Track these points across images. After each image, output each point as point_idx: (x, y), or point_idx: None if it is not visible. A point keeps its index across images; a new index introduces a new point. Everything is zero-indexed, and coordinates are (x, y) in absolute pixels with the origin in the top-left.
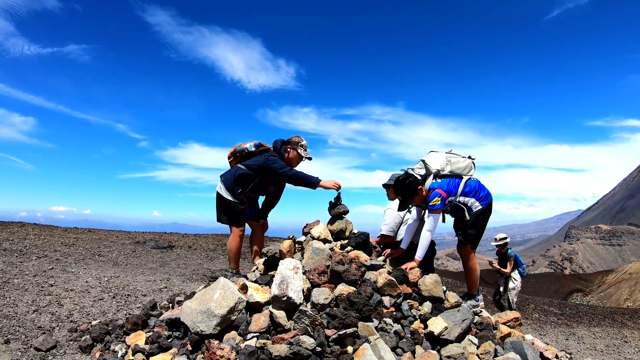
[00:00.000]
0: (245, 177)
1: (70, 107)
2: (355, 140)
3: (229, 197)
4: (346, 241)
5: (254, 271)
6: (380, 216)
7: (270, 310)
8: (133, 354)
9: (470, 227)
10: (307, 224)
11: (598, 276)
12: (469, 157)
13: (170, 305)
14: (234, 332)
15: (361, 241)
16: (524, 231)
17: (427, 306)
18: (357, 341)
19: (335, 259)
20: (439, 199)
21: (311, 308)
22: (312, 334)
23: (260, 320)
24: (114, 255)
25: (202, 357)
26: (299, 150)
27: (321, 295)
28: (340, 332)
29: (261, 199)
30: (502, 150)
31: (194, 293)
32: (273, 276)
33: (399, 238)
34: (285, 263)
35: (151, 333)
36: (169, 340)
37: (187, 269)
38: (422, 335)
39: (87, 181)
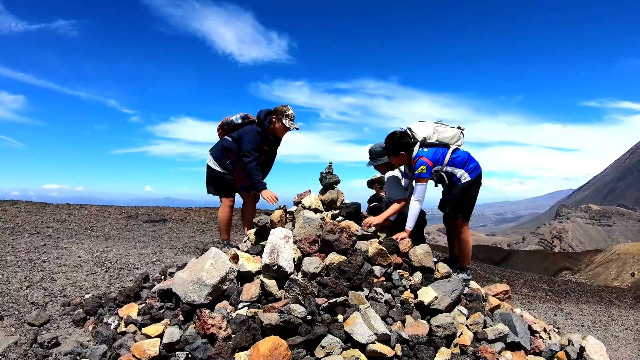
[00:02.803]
0: (231, 149)
1: (60, 84)
2: (348, 114)
3: (218, 168)
4: (337, 211)
5: (245, 242)
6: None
7: (261, 280)
8: (125, 326)
9: (460, 200)
10: (298, 194)
11: (587, 255)
12: (458, 127)
13: (162, 277)
14: (225, 302)
15: (352, 211)
16: (515, 208)
17: (417, 276)
18: (348, 310)
19: (326, 228)
20: (425, 167)
21: (302, 277)
22: (302, 302)
23: (251, 290)
24: (106, 229)
25: (194, 327)
26: (284, 121)
27: (312, 264)
28: (331, 301)
29: None
30: (495, 127)
31: (185, 264)
32: (264, 246)
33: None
34: (276, 232)
35: (143, 305)
36: (161, 311)
37: (179, 242)
38: (412, 305)
39: (79, 158)
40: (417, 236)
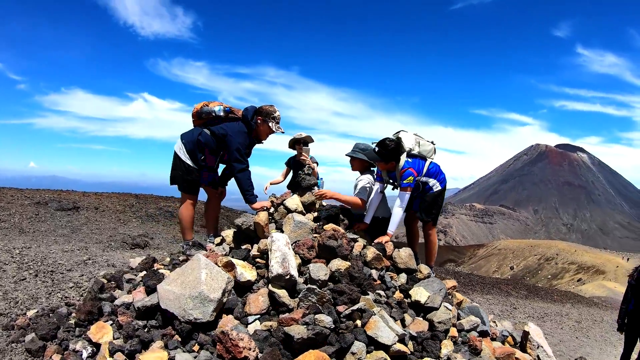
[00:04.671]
0: (207, 144)
1: None
2: (246, 100)
3: (188, 162)
4: (315, 214)
5: (219, 244)
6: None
7: (270, 290)
8: (111, 355)
9: (431, 206)
10: (275, 195)
11: (470, 249)
12: (432, 143)
13: (115, 284)
14: (230, 317)
15: (333, 214)
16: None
17: (403, 277)
18: (364, 314)
19: (327, 234)
20: (412, 178)
21: (310, 284)
22: (323, 311)
23: (259, 301)
24: (16, 219)
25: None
26: (271, 124)
27: (319, 271)
28: (354, 308)
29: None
30: (390, 125)
31: (149, 270)
32: (249, 250)
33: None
34: (279, 238)
35: (112, 323)
36: (145, 331)
37: (103, 235)
38: (406, 304)
39: None
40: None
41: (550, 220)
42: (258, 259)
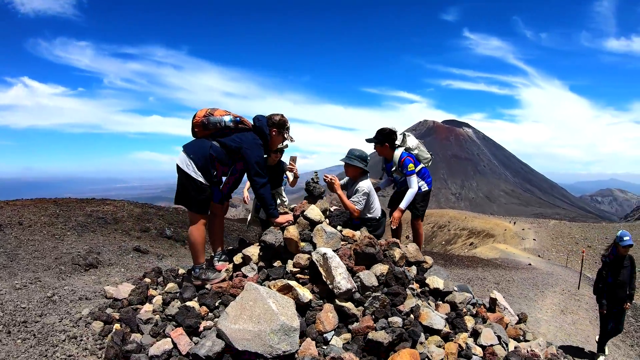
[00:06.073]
0: (219, 159)
1: None
2: (133, 81)
3: (200, 179)
4: (327, 220)
5: (241, 264)
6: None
7: (339, 305)
8: None
9: (420, 203)
10: (292, 206)
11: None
12: (431, 154)
13: (128, 327)
14: (308, 339)
15: (347, 219)
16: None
17: (414, 269)
18: (414, 308)
19: (364, 242)
20: (413, 165)
21: (362, 292)
22: (389, 314)
23: (329, 318)
24: None
25: None
26: (285, 135)
27: (371, 277)
28: (412, 306)
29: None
30: (281, 104)
31: (164, 303)
32: (284, 267)
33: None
34: (332, 253)
35: None
36: None
37: (47, 258)
38: (427, 292)
39: None
40: (378, 235)
41: (440, 190)
42: (299, 275)
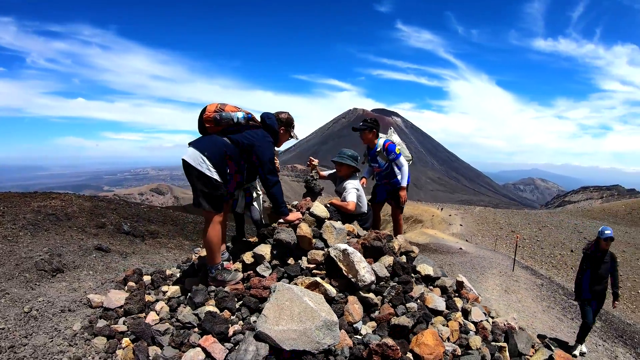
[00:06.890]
0: (232, 156)
1: None
2: (58, 61)
3: (215, 177)
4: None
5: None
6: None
7: (363, 296)
8: None
9: (400, 196)
10: (295, 203)
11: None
12: (412, 157)
13: (145, 343)
14: (342, 332)
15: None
16: None
17: (404, 258)
18: (421, 294)
19: (372, 236)
20: (399, 149)
21: (378, 282)
22: (404, 301)
23: (356, 309)
24: None
25: None
26: (292, 133)
27: (383, 269)
28: (422, 292)
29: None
30: (210, 89)
31: (182, 311)
32: (299, 264)
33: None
34: (352, 249)
35: None
36: None
37: (6, 265)
38: (420, 278)
39: None
40: (367, 226)
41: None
42: (315, 270)
